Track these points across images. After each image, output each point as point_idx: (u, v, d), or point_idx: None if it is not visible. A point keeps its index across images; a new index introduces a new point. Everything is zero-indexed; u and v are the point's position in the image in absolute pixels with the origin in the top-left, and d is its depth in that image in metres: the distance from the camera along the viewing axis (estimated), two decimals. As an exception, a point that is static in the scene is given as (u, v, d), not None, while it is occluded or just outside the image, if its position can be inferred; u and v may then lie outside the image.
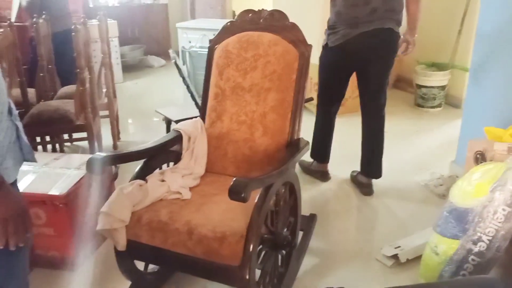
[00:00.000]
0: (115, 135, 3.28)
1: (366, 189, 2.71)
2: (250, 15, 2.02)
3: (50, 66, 3.15)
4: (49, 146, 3.11)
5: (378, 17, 2.36)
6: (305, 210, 2.46)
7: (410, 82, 4.66)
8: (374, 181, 2.74)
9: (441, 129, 3.83)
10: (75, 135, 3.15)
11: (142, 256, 1.64)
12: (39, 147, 2.97)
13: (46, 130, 2.72)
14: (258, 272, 1.59)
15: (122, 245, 1.55)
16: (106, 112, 3.27)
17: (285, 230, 1.78)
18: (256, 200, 1.48)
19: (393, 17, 2.40)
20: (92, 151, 2.75)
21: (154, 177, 1.72)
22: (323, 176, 2.90)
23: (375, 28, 2.36)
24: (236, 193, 1.31)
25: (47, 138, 3.01)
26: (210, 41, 2.06)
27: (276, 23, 1.97)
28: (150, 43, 6.33)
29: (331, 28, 2.48)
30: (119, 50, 5.40)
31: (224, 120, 1.97)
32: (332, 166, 3.09)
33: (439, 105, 4.29)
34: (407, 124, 3.97)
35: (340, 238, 2.33)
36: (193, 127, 1.97)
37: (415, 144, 3.53)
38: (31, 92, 3.01)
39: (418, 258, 2.02)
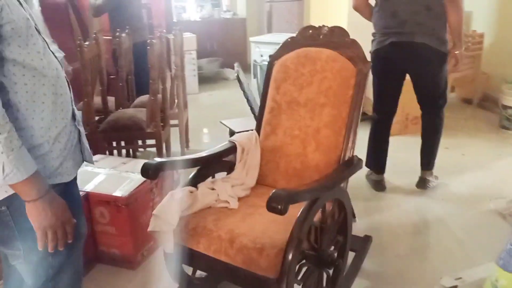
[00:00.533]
0: (183, 143, 3.44)
1: (420, 183, 2.90)
2: (310, 31, 2.03)
3: (129, 77, 3.41)
4: (124, 151, 3.35)
5: (408, 31, 2.47)
6: (360, 230, 2.40)
7: (496, 102, 4.34)
8: (443, 206, 2.64)
9: (526, 155, 3.51)
10: (148, 142, 3.36)
11: (188, 261, 1.70)
12: (115, 151, 3.21)
13: (120, 135, 2.94)
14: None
15: (169, 248, 1.63)
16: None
17: (332, 248, 1.75)
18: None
19: (425, 31, 2.45)
20: (160, 157, 2.92)
21: (204, 185, 1.79)
22: (378, 186, 2.95)
23: (404, 40, 2.50)
24: (274, 205, 1.32)
25: (123, 143, 3.25)
26: (270, 56, 2.11)
27: (336, 39, 1.96)
28: (227, 56, 6.57)
29: (372, 35, 2.68)
30: (196, 63, 5.68)
31: (278, 133, 2.00)
32: (391, 189, 2.97)
33: (526, 128, 3.94)
34: (489, 146, 3.70)
35: (397, 263, 2.22)
36: (248, 139, 2.02)
37: (495, 169, 3.28)
38: (111, 100, 3.27)
39: (479, 292, 1.87)
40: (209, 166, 1.90)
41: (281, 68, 2.03)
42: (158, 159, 1.65)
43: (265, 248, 1.46)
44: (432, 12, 2.45)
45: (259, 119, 2.09)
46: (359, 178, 3.19)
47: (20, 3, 1.11)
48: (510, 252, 1.59)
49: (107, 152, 2.99)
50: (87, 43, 2.74)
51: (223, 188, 1.79)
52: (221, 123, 3.01)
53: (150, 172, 1.59)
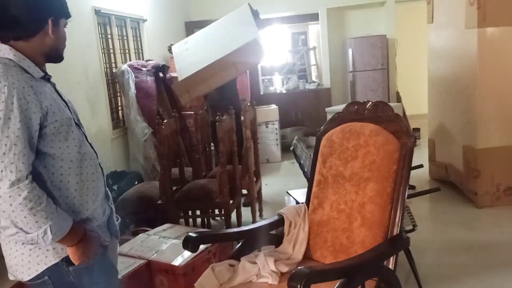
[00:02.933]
0: (254, 212, 3.55)
1: None
2: (356, 107, 2.08)
3: (207, 149, 3.69)
4: (199, 220, 3.55)
5: None
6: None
7: None
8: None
9: None
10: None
11: (227, 334, 1.73)
12: (190, 220, 3.41)
13: (191, 205, 3.15)
14: None
15: (209, 320, 1.69)
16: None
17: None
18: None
19: None
20: (228, 227, 3.05)
21: (246, 259, 1.84)
22: None
23: None
24: (293, 284, 1.33)
25: (198, 212, 3.46)
26: (318, 131, 2.18)
27: (380, 113, 1.97)
28: (311, 125, 6.70)
29: None
30: (279, 132, 5.89)
31: (325, 207, 2.01)
32: (473, 269, 2.71)
33: None
34: None
35: None
36: (296, 212, 2.05)
37: None
38: (189, 171, 3.55)
39: None
40: (255, 239, 1.96)
41: (327, 143, 2.08)
42: (197, 233, 1.76)
43: (295, 327, 1.45)
44: None
45: (308, 192, 2.13)
46: (435, 252, 2.98)
47: (66, 103, 1.35)
48: None
49: (182, 221, 3.20)
50: (165, 121, 3.07)
51: (265, 263, 1.82)
52: (288, 193, 3.07)
53: (190, 245, 1.71)
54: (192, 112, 4.52)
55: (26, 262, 1.28)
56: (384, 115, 1.96)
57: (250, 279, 1.78)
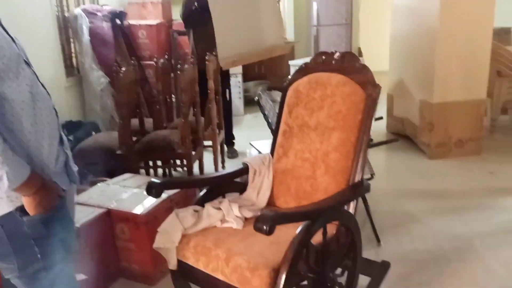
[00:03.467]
0: (217, 163, 3.55)
1: None
2: (323, 57, 2.07)
3: (168, 100, 3.59)
4: (161, 171, 3.51)
5: None
6: (385, 255, 2.35)
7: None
8: (478, 234, 2.51)
9: None
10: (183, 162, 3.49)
11: (191, 278, 1.76)
12: (151, 171, 3.37)
13: (153, 155, 3.09)
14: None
15: (173, 264, 1.70)
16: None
17: (340, 272, 1.74)
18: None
19: None
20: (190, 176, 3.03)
21: (211, 205, 1.85)
22: None
23: None
24: (259, 226, 1.35)
25: (159, 163, 3.41)
26: (284, 81, 2.16)
27: (347, 64, 1.98)
28: (274, 79, 6.66)
29: None
30: (242, 86, 5.83)
31: (289, 156, 2.03)
32: (425, 213, 2.89)
33: None
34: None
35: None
36: (261, 161, 2.06)
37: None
38: (149, 121, 3.47)
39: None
40: (220, 187, 1.96)
41: (293, 93, 2.07)
42: (162, 179, 1.74)
43: (258, 268, 1.49)
44: None
45: (273, 142, 2.13)
46: (389, 200, 3.13)
47: (13, 39, 1.25)
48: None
49: (143, 171, 3.15)
50: (123, 69, 2.94)
51: (229, 209, 1.84)
52: (251, 144, 3.08)
53: (154, 190, 1.68)
54: (152, 62, 4.37)
55: None
56: (351, 65, 1.96)
57: (215, 224, 1.80)
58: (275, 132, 2.14)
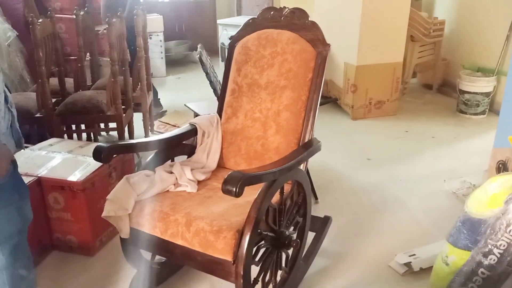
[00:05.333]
0: (147, 126, 3.38)
1: None
2: (272, 12, 2.01)
3: (89, 58, 3.30)
4: (85, 135, 3.25)
5: None
6: (321, 210, 2.44)
7: (455, 87, 4.47)
8: (401, 186, 2.65)
9: (481, 137, 3.64)
10: (111, 125, 3.27)
11: (145, 246, 1.68)
12: (75, 135, 3.11)
13: (79, 118, 2.84)
14: (257, 269, 1.59)
15: (125, 233, 1.60)
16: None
17: (291, 229, 1.77)
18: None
19: None
20: (121, 140, 2.85)
21: (162, 169, 1.76)
22: None
23: None
24: (228, 188, 1.31)
25: (83, 127, 3.15)
26: (231, 37, 2.08)
27: (296, 21, 1.94)
28: (196, 39, 6.42)
29: None
30: (163, 45, 5.54)
31: (239, 116, 1.98)
32: (354, 170, 3.05)
33: (482, 112, 4.08)
34: (446, 130, 3.82)
35: (356, 242, 2.28)
36: (209, 122, 1.99)
37: (451, 151, 3.39)
38: (70, 81, 3.16)
39: (432, 268, 1.94)
40: (168, 149, 1.87)
41: (242, 50, 2.00)
42: (110, 142, 1.61)
43: (222, 231, 1.46)
44: None
45: (220, 101, 2.06)
46: (320, 160, 3.24)
47: None
48: (459, 229, 1.65)
49: (65, 136, 2.90)
50: (40, 20, 2.61)
51: (182, 172, 1.77)
52: (186, 106, 2.96)
53: (103, 155, 1.55)
54: (66, 16, 3.95)
55: None
56: (301, 22, 1.93)
57: (168, 188, 1.71)
58: (222, 92, 2.07)
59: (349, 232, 2.37)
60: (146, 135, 3.40)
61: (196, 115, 2.90)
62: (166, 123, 3.81)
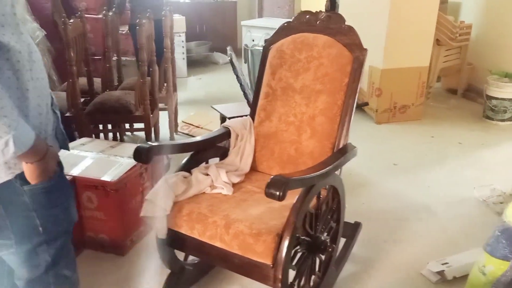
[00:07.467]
0: (172, 127, 3.40)
1: None
2: (307, 16, 2.00)
3: (116, 58, 3.33)
4: (110, 134, 3.28)
5: None
6: (351, 217, 2.42)
7: (480, 93, 4.41)
8: (429, 193, 2.62)
9: (509, 144, 3.58)
10: (136, 125, 3.29)
11: (181, 246, 1.69)
12: (101, 135, 3.14)
13: (107, 118, 2.87)
14: (293, 274, 1.59)
15: (162, 233, 1.61)
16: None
17: (325, 234, 1.76)
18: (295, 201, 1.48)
19: None
20: (148, 141, 2.86)
21: (198, 170, 1.76)
22: None
23: None
24: (272, 191, 1.31)
25: (109, 127, 3.18)
26: (266, 40, 2.08)
27: (333, 25, 1.93)
28: (216, 40, 6.46)
29: None
30: (185, 45, 5.57)
31: (273, 120, 1.98)
32: (380, 175, 3.03)
33: (510, 119, 4.01)
34: (473, 136, 3.76)
35: (385, 248, 2.25)
36: (242, 125, 1.99)
37: (479, 158, 3.34)
38: (97, 81, 3.19)
39: (465, 277, 1.91)
40: (203, 152, 1.87)
41: (277, 54, 2.00)
42: (151, 143, 1.62)
43: (262, 234, 1.46)
44: None
45: (253, 104, 2.06)
46: (346, 164, 3.22)
47: None
48: (498, 239, 1.62)
49: (93, 136, 2.93)
50: (71, 20, 2.65)
51: (217, 174, 1.77)
52: (213, 108, 2.97)
53: (143, 156, 1.56)
54: (91, 16, 4.00)
55: None
56: (337, 27, 1.92)
57: (204, 190, 1.72)
58: (255, 95, 2.06)
59: (378, 238, 2.34)
60: (171, 136, 3.42)
61: (222, 116, 2.91)
62: (190, 124, 3.83)
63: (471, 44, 4.69)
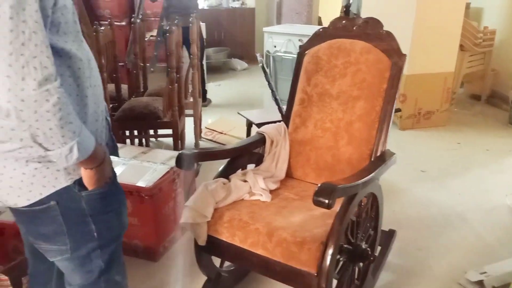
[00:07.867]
0: (198, 133, 3.40)
1: None
2: (343, 22, 1.99)
3: (142, 64, 3.35)
4: (136, 140, 3.30)
5: None
6: (383, 224, 2.39)
7: (506, 99, 4.34)
8: (460, 200, 2.57)
9: (538, 150, 3.52)
10: (161, 131, 3.29)
11: (220, 253, 1.67)
12: (127, 141, 3.15)
13: (136, 124, 2.88)
14: (334, 282, 1.56)
15: (202, 240, 1.60)
16: (190, 111, 3.38)
17: (364, 242, 1.73)
18: (338, 209, 1.46)
19: None
20: (176, 148, 2.87)
21: (236, 177, 1.75)
22: None
23: None
24: (321, 199, 1.29)
25: (135, 133, 3.19)
26: (300, 46, 2.07)
27: (370, 31, 1.92)
28: (235, 46, 6.48)
29: None
30: (204, 52, 5.58)
31: (308, 126, 1.96)
32: (409, 182, 2.98)
33: (537, 125, 3.94)
34: (500, 142, 3.70)
35: (421, 257, 2.21)
36: (277, 131, 1.98)
37: (508, 165, 3.28)
38: (123, 88, 3.21)
39: (505, 286, 1.87)
40: (239, 158, 1.86)
41: (312, 59, 1.99)
42: (192, 150, 1.62)
43: (306, 242, 1.44)
44: None
45: (287, 110, 2.05)
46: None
47: None
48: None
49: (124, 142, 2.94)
50: (102, 28, 2.67)
51: (255, 180, 1.76)
52: (239, 114, 2.96)
53: (185, 162, 1.55)
54: (117, 22, 4.03)
55: (28, 184, 1.01)
56: (375, 32, 1.91)
57: (243, 197, 1.71)
58: (289, 101, 2.05)
59: (412, 246, 2.30)
60: (196, 142, 3.42)
61: (249, 122, 2.91)
62: (213, 130, 3.83)
63: (495, 49, 4.63)
